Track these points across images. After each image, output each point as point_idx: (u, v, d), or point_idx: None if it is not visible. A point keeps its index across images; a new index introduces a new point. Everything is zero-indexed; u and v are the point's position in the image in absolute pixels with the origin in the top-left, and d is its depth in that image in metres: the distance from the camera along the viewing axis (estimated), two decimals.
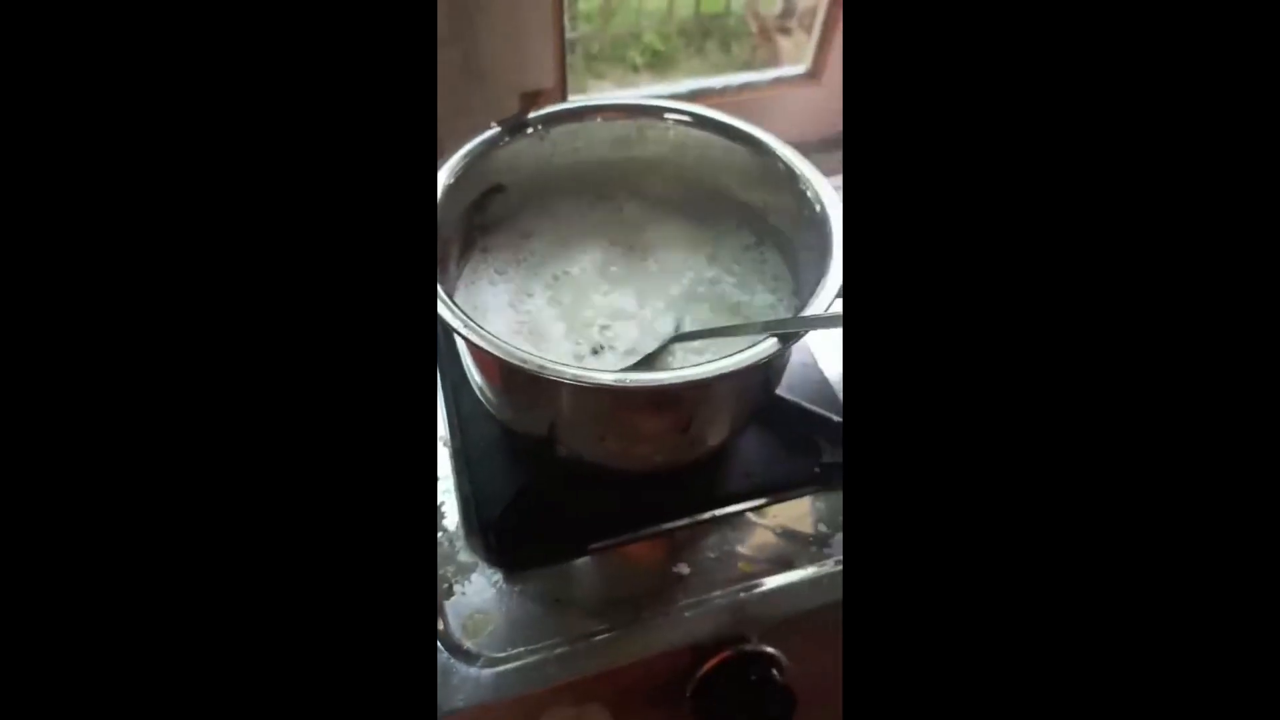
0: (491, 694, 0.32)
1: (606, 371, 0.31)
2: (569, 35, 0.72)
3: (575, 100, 0.39)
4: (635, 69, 1.06)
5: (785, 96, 0.71)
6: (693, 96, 0.69)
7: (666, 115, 0.39)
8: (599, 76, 1.04)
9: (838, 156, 0.75)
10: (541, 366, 0.29)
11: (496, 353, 0.29)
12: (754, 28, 0.77)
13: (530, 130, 0.39)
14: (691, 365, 0.30)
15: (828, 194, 0.36)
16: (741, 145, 0.39)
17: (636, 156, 0.41)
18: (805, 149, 0.78)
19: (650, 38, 1.01)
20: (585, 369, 0.30)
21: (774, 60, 0.74)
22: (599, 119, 0.39)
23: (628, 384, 0.29)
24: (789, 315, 0.36)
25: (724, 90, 0.70)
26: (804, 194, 0.36)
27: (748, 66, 0.77)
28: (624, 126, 0.40)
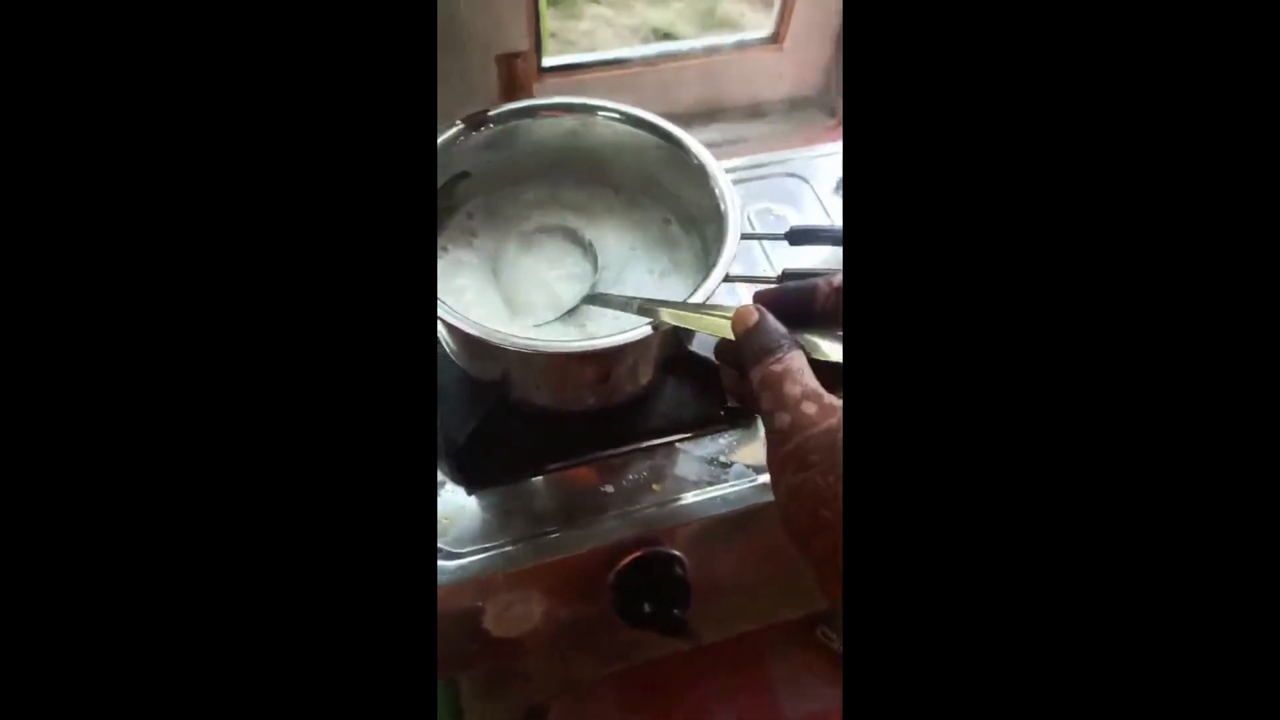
0: (451, 580, 0.42)
1: (540, 340, 0.39)
2: None
3: (522, 102, 0.46)
4: None
5: (747, 60, 0.76)
6: (660, 57, 0.75)
7: (599, 113, 0.46)
8: (596, 1, 1.08)
9: (797, 118, 0.81)
10: (492, 334, 0.37)
11: (457, 324, 0.37)
12: None
13: (491, 125, 0.46)
14: (605, 336, 0.38)
15: (727, 187, 0.43)
16: (662, 140, 0.46)
17: (582, 147, 0.48)
18: (766, 109, 0.83)
19: None
20: (521, 337, 0.38)
21: None
22: (546, 116, 0.46)
23: (553, 349, 0.38)
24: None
25: (689, 52, 0.76)
26: (711, 188, 0.44)
27: None
28: (570, 120, 0.47)
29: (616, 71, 0.74)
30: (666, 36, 1.15)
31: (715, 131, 0.77)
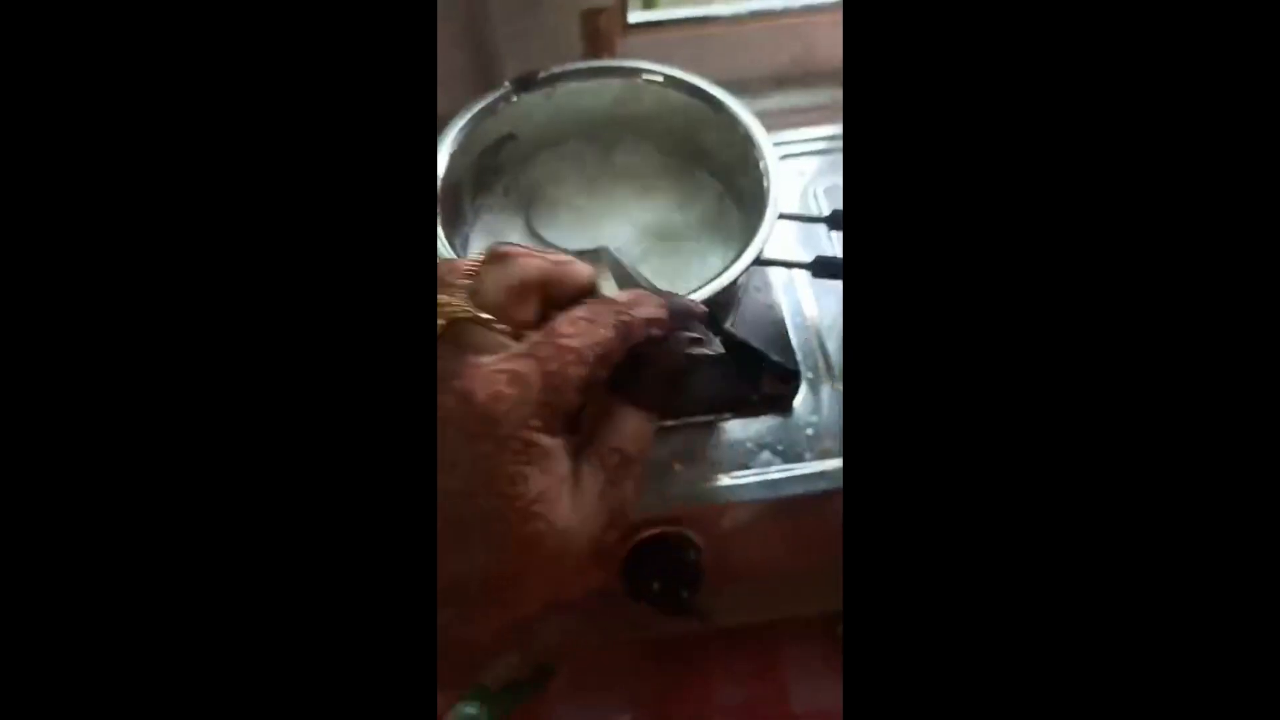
0: None
1: None
2: None
3: (575, 64, 0.45)
4: None
5: (812, 24, 0.71)
6: (753, 15, 0.71)
7: (644, 77, 0.44)
8: None
9: None
10: None
11: None
12: None
13: (539, 87, 0.45)
14: None
15: (773, 161, 0.41)
16: (710, 107, 0.43)
17: (633, 113, 0.46)
18: (833, 77, 0.77)
19: None
20: None
21: None
22: (595, 78, 0.45)
23: None
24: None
25: (785, 11, 0.71)
26: (756, 161, 0.41)
27: None
28: (622, 85, 0.45)
29: (707, 29, 0.71)
30: None
31: (805, 95, 0.72)
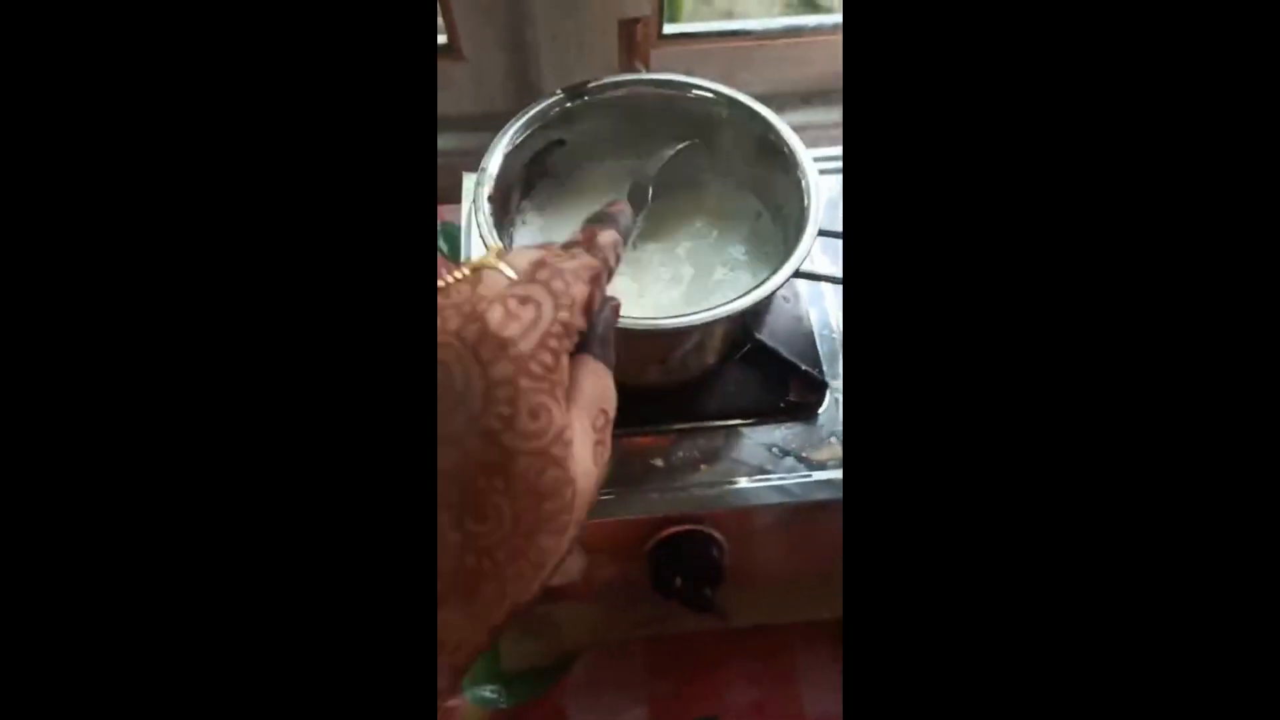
0: None
1: None
2: None
3: (626, 76, 0.46)
4: None
5: (828, 42, 0.73)
6: (785, 31, 0.73)
7: (694, 91, 0.46)
8: None
9: None
10: None
11: None
12: None
13: (589, 96, 0.47)
14: (664, 317, 0.39)
15: (814, 177, 0.42)
16: (755, 123, 0.45)
17: (679, 126, 0.48)
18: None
19: None
20: None
21: None
22: (646, 89, 0.47)
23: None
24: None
25: (816, 28, 0.73)
26: (798, 177, 0.43)
27: None
28: (671, 99, 0.47)
29: (740, 43, 0.73)
30: (813, 6, 1.11)
31: (831, 113, 0.74)
